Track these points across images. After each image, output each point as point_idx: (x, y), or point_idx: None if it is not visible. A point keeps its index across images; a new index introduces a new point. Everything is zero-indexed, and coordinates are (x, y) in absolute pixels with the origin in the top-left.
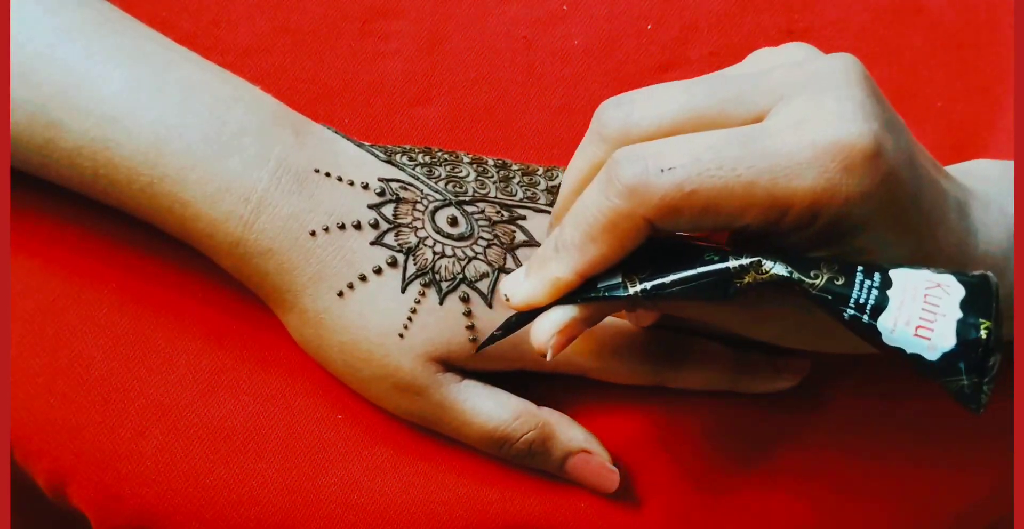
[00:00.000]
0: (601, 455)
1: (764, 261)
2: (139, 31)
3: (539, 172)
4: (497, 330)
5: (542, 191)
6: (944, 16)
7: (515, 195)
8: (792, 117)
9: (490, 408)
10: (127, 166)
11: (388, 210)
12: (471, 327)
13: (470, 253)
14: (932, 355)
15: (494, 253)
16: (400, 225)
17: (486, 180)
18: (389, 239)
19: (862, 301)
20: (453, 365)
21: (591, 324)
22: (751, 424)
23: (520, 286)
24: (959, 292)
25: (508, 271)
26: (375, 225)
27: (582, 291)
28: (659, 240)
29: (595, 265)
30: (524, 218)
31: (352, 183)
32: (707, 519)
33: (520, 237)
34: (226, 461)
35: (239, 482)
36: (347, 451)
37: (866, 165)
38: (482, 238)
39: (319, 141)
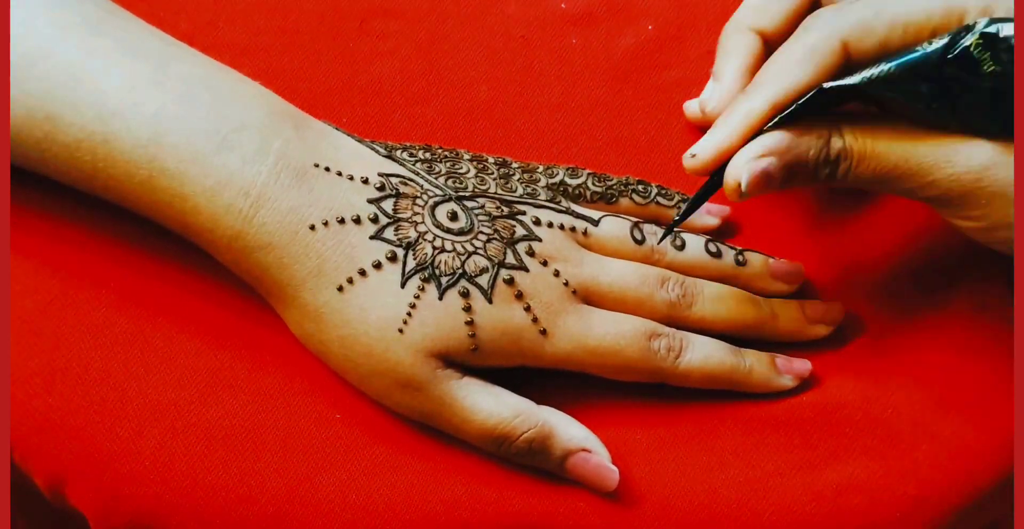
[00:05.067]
0: (601, 454)
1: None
2: (139, 27)
3: (539, 170)
4: (681, 213)
5: (542, 188)
6: None
7: (515, 191)
8: None
9: (490, 405)
10: (126, 160)
11: (388, 205)
12: (470, 323)
13: (470, 248)
14: None
15: (494, 248)
16: (400, 220)
17: (486, 177)
18: (389, 234)
19: None
20: (453, 361)
21: (787, 167)
22: (751, 423)
23: (708, 139)
24: None
25: (508, 266)
26: (375, 220)
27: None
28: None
29: (791, 93)
30: (524, 213)
31: (352, 178)
32: (706, 518)
33: (520, 232)
34: (225, 461)
35: (238, 481)
36: (346, 451)
37: None
38: (482, 233)
39: (319, 136)
